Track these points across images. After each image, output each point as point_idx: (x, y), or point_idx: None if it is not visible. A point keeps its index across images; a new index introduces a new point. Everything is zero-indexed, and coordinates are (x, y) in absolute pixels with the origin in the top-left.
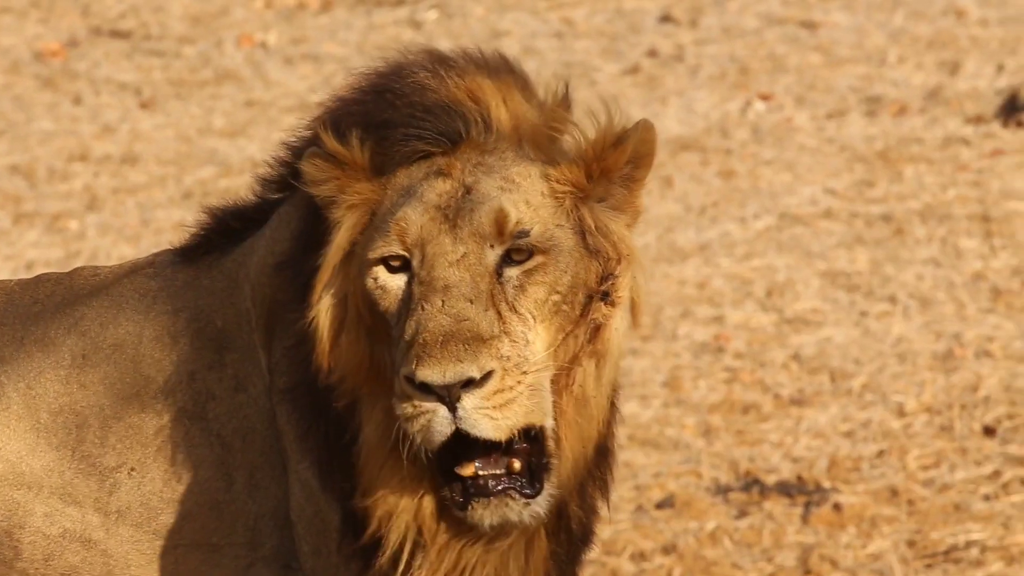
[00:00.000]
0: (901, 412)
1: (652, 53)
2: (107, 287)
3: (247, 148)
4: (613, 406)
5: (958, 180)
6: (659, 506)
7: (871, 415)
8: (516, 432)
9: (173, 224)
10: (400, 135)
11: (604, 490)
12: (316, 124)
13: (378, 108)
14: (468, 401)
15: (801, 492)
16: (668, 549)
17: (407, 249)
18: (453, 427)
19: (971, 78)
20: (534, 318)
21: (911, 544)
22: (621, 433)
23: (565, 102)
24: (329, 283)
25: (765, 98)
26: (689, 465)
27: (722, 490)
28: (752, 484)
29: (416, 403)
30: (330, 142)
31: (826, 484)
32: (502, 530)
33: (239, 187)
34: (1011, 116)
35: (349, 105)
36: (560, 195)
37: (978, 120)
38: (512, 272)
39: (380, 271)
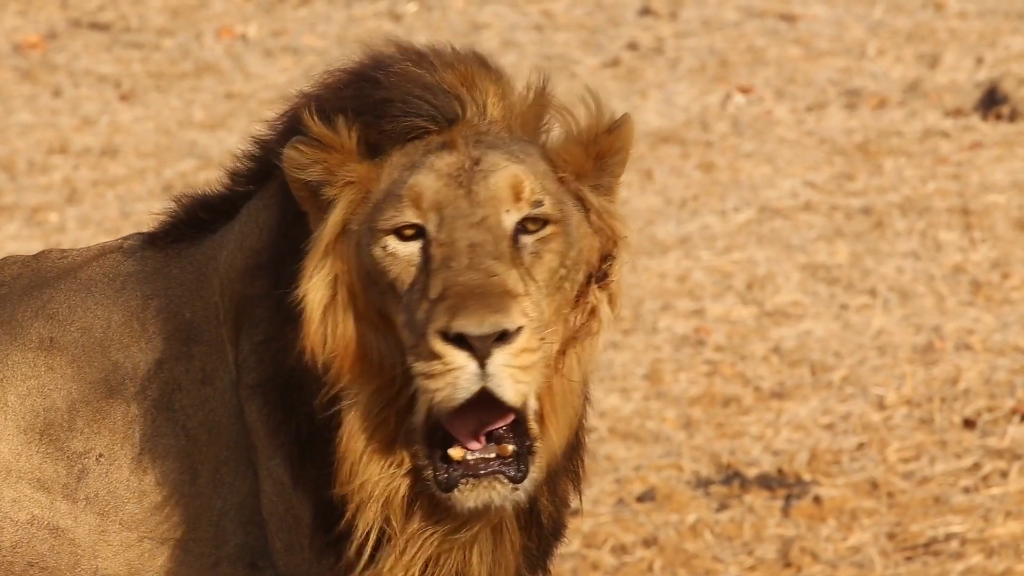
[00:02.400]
0: (881, 405)
1: (632, 46)
2: (75, 270)
3: (227, 140)
4: (585, 397)
5: (938, 173)
6: (640, 499)
7: (851, 408)
8: (525, 400)
9: (153, 217)
10: (399, 111)
11: (576, 482)
12: (295, 113)
13: (370, 90)
14: (499, 356)
15: (782, 485)
16: (649, 542)
17: (422, 215)
18: (479, 385)
19: (950, 71)
20: (545, 287)
21: (891, 537)
22: (602, 426)
23: (546, 92)
24: (320, 263)
25: (745, 91)
26: (670, 458)
27: (703, 483)
28: (733, 477)
29: (445, 360)
30: (316, 126)
31: (806, 477)
32: (480, 515)
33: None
34: (990, 109)
35: (333, 92)
36: (562, 172)
37: (957, 113)
38: (527, 239)
39: (391, 240)
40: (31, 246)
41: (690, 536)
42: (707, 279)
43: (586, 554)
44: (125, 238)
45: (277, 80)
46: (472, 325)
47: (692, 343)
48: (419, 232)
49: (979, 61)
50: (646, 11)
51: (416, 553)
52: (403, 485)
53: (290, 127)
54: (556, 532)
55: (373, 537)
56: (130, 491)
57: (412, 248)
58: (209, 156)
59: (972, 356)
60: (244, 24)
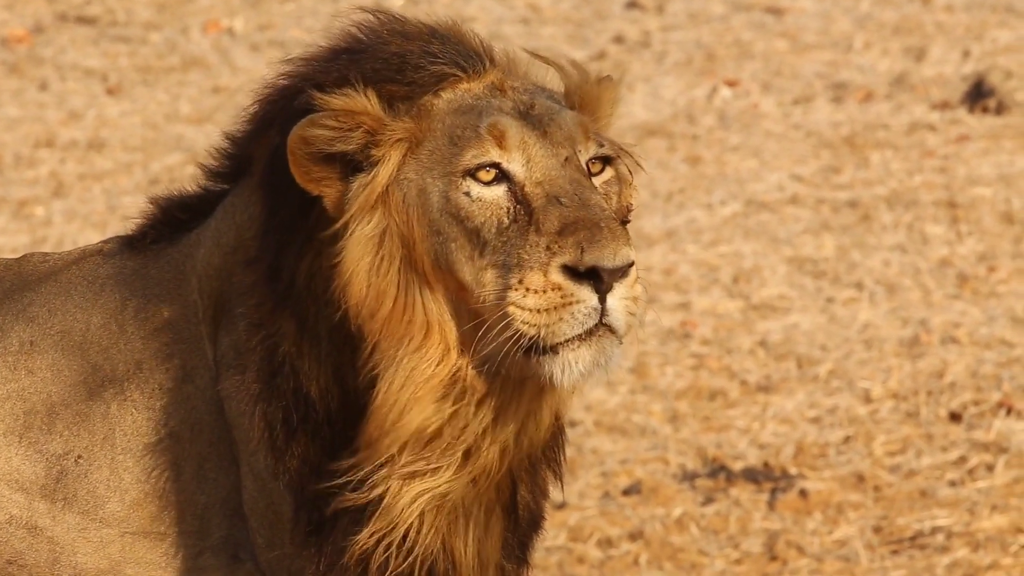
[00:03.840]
0: (867, 398)
1: (618, 39)
2: (56, 273)
3: (214, 134)
4: None
5: (924, 166)
6: (626, 492)
7: (837, 401)
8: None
9: (133, 217)
10: (425, 60)
11: (557, 472)
12: (271, 102)
13: (379, 50)
14: (619, 290)
15: (768, 478)
16: (635, 535)
17: (505, 155)
18: (595, 320)
19: (937, 64)
20: None
21: (877, 530)
22: (587, 419)
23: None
24: (365, 217)
25: (731, 84)
26: (656, 451)
27: (689, 476)
28: (719, 470)
29: (565, 293)
30: (336, 98)
31: (792, 470)
32: (582, 378)
33: None
34: (977, 102)
35: (323, 66)
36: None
37: (944, 106)
38: (596, 181)
39: (472, 184)
40: (18, 240)
41: (676, 529)
42: (693, 272)
43: (572, 547)
44: (105, 241)
45: (264, 74)
46: (607, 259)
47: (678, 336)
48: (500, 175)
49: (966, 54)
50: (632, 4)
51: (414, 500)
52: (433, 422)
53: (274, 114)
54: (534, 523)
55: (376, 460)
56: (111, 490)
57: (498, 191)
58: (196, 150)
59: (958, 349)
60: (231, 18)
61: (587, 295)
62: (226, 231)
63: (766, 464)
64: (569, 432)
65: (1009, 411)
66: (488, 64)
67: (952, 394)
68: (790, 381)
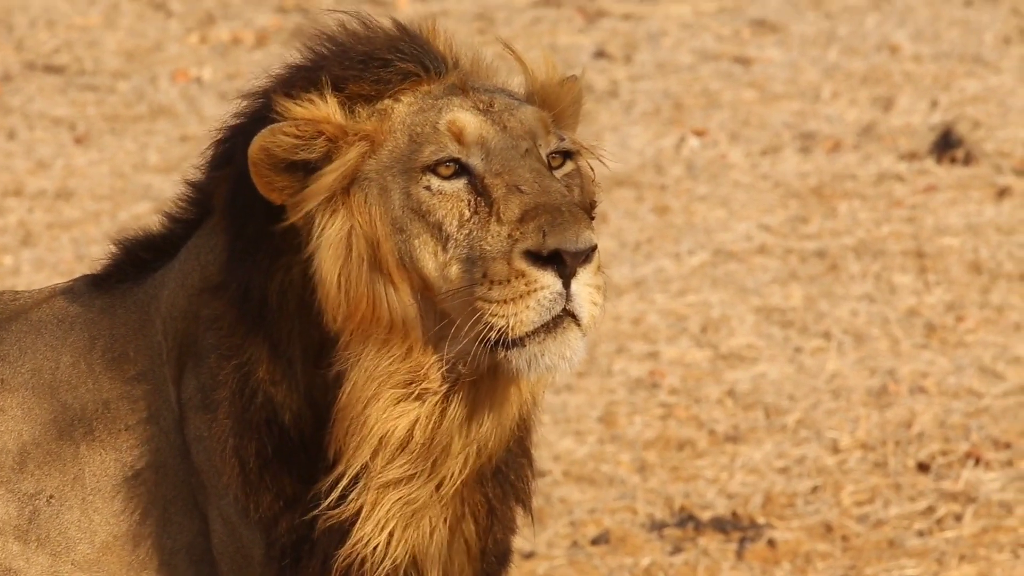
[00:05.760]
0: (835, 448)
1: (586, 89)
2: (26, 312)
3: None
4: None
5: (892, 216)
6: (594, 542)
7: (805, 451)
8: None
9: (99, 259)
10: (393, 57)
11: (524, 503)
12: (231, 139)
13: (344, 52)
14: (583, 276)
15: (736, 528)
16: None
17: (464, 150)
18: (561, 306)
19: (905, 114)
20: None
21: None
22: (556, 469)
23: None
24: (329, 220)
25: (699, 134)
26: (624, 501)
27: (657, 526)
28: (687, 520)
29: (529, 280)
30: (296, 107)
31: (761, 520)
32: (548, 370)
33: None
34: (945, 152)
35: (285, 81)
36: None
37: (912, 156)
38: (557, 174)
39: (433, 179)
40: None
41: None
42: (661, 322)
43: None
44: (75, 280)
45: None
46: (569, 241)
47: (646, 386)
48: (460, 169)
49: (933, 104)
50: (600, 54)
51: (388, 510)
52: (402, 423)
53: (233, 143)
54: (502, 558)
55: (351, 473)
56: (81, 531)
57: (458, 184)
58: (164, 199)
59: (926, 399)
60: (199, 67)
61: (551, 280)
62: (191, 272)
63: (734, 514)
64: (538, 482)
65: (977, 461)
66: (451, 67)
67: (920, 444)
68: (758, 431)
